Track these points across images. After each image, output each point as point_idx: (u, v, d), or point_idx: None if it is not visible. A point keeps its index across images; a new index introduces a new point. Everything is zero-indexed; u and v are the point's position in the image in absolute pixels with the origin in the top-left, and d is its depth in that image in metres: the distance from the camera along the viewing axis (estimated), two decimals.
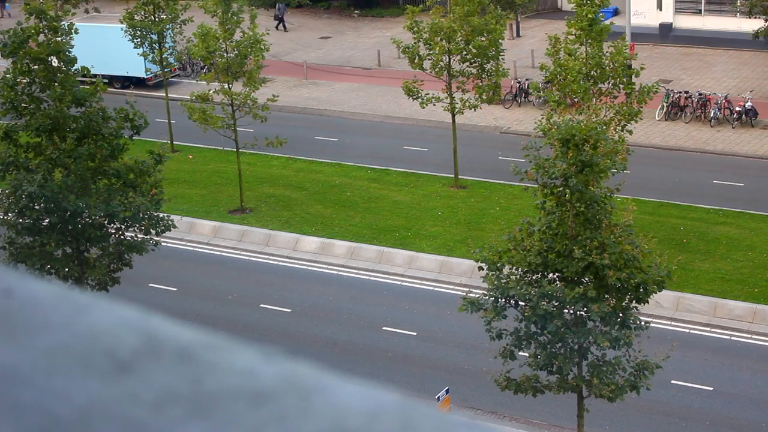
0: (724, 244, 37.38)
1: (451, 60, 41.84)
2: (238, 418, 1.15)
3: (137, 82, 57.65)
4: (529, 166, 24.43)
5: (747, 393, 29.30)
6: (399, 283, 36.19)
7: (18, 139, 29.35)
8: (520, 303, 24.38)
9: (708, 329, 32.52)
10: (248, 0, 47.16)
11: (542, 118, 33.81)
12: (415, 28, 41.32)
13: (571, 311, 24.41)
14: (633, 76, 36.12)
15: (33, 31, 29.49)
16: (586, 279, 24.17)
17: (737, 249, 37.00)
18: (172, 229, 30.77)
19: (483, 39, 41.21)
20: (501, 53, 42.54)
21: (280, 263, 38.09)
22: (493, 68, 42.41)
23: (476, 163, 44.58)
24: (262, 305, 34.89)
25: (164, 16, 47.16)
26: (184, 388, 1.17)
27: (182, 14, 47.22)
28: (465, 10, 40.81)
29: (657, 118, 49.27)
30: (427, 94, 41.64)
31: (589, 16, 35.10)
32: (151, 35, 47.30)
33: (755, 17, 53.16)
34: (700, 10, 60.91)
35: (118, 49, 53.01)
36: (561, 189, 24.12)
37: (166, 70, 49.63)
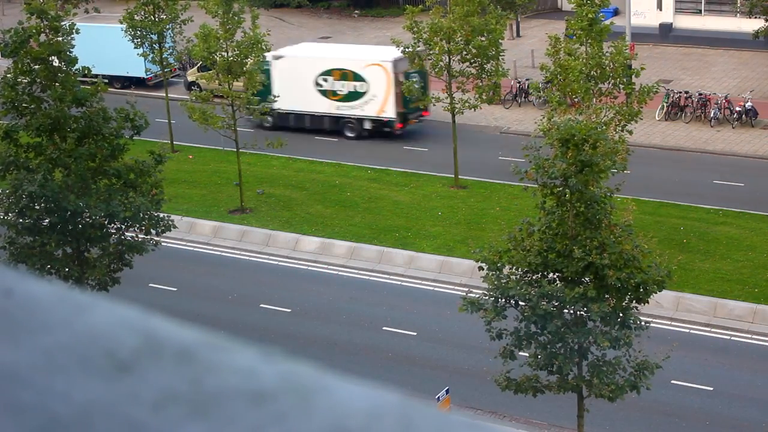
0: (724, 244, 37.38)
1: (451, 60, 41.84)
2: (238, 418, 1.15)
3: (137, 82, 57.68)
4: (529, 166, 24.43)
5: (747, 393, 29.29)
6: (399, 283, 36.19)
7: (18, 139, 29.35)
8: (520, 303, 24.38)
9: (708, 329, 32.53)
10: (249, 0, 47.14)
11: (542, 118, 33.82)
12: (415, 29, 41.34)
13: (571, 311, 24.42)
14: (633, 76, 36.14)
15: (34, 30, 29.50)
16: (586, 279, 24.16)
17: (737, 249, 37.00)
18: (172, 229, 30.78)
19: (483, 39, 41.22)
20: (501, 53, 42.56)
21: (280, 263, 38.09)
22: (493, 68, 42.42)
23: (476, 163, 44.58)
24: (262, 305, 34.89)
25: (164, 16, 47.17)
26: (184, 388, 1.17)
27: (182, 14, 47.23)
28: (465, 10, 40.82)
29: (657, 118, 49.27)
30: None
31: (590, 16, 35.11)
32: (151, 35, 47.32)
33: (755, 17, 53.16)
34: (700, 10, 60.91)
35: (118, 49, 53.02)
36: (561, 189, 24.13)
37: (166, 70, 49.63)
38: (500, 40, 42.23)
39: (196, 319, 32.60)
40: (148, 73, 56.57)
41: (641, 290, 23.95)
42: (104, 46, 54.45)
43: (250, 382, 1.19)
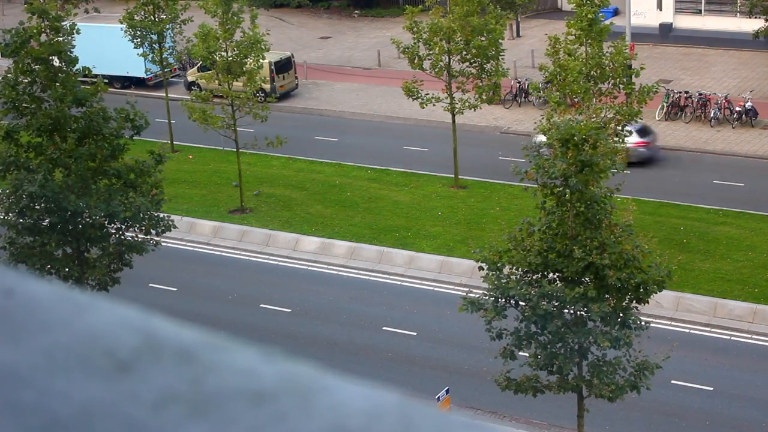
0: (724, 244, 37.37)
1: (451, 60, 41.83)
2: (238, 418, 1.15)
3: (137, 82, 57.67)
4: (529, 166, 24.42)
5: (747, 393, 29.30)
6: (399, 283, 36.19)
7: (19, 139, 29.35)
8: (520, 303, 24.38)
9: (708, 329, 32.53)
10: (249, 0, 47.12)
11: (542, 119, 33.81)
12: (415, 29, 41.31)
13: (571, 311, 24.41)
14: (633, 76, 36.13)
15: (35, 30, 29.50)
16: (586, 279, 24.16)
17: (737, 249, 37.00)
18: (172, 229, 30.78)
19: (483, 39, 41.20)
20: (501, 53, 42.53)
21: (280, 263, 38.09)
22: (493, 68, 42.40)
23: (476, 163, 44.57)
24: (262, 305, 34.90)
25: (164, 16, 47.16)
26: (184, 388, 1.17)
27: (182, 14, 47.23)
28: (465, 10, 40.79)
29: (657, 118, 49.25)
30: (427, 94, 41.63)
31: (589, 16, 35.10)
32: (151, 35, 47.31)
33: (755, 17, 53.15)
34: (700, 10, 60.89)
35: (118, 49, 53.03)
36: (561, 189, 24.12)
37: (166, 70, 49.63)
38: (500, 40, 42.20)
39: (196, 319, 32.61)
40: (148, 73, 56.55)
41: (641, 290, 23.94)
42: (104, 46, 54.45)
43: (250, 382, 1.19)
